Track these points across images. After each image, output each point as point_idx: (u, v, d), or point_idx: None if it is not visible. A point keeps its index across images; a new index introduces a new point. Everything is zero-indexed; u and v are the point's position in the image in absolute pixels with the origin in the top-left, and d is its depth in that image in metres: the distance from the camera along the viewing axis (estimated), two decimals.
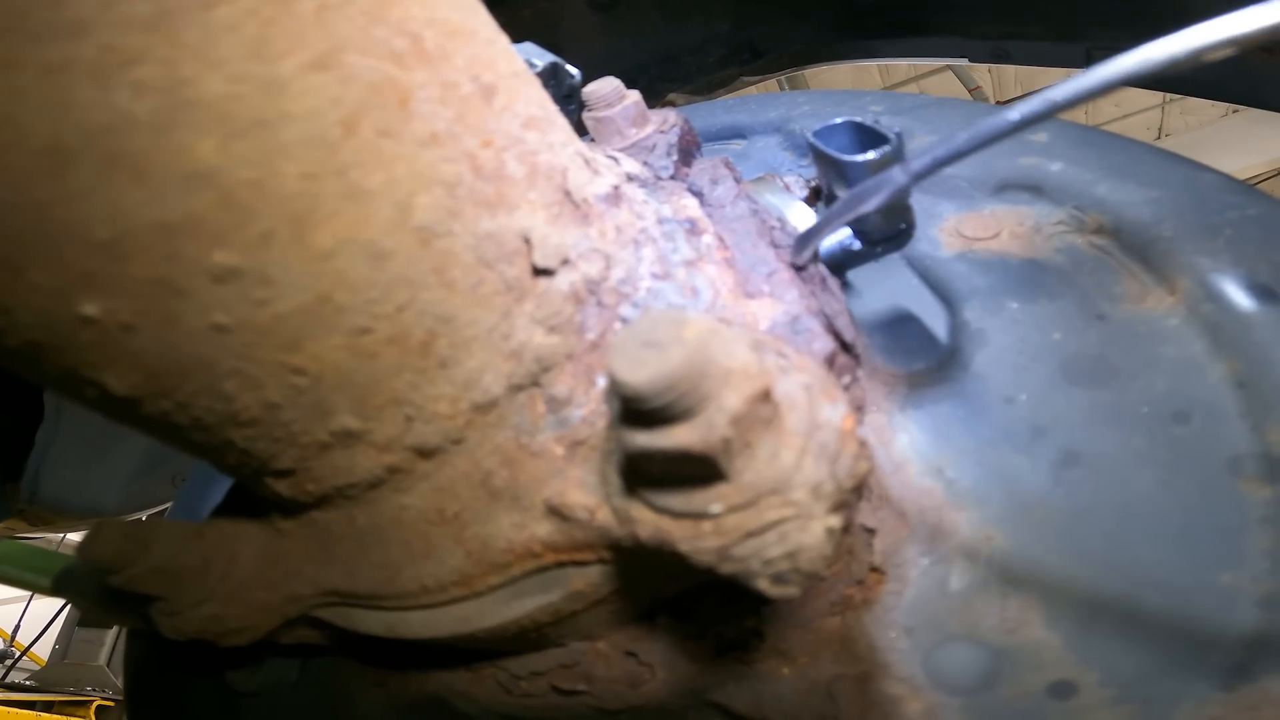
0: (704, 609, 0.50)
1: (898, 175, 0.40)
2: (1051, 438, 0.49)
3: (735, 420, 0.30)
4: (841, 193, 0.49)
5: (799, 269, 0.46)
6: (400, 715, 0.58)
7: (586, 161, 0.42)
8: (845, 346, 0.41)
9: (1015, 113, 0.36)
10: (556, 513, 0.39)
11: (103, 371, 0.33)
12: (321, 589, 0.48)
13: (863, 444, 0.34)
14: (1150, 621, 0.44)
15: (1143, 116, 5.91)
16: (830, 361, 0.40)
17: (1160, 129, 6.04)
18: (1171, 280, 0.53)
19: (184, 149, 0.28)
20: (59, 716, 4.09)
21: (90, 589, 0.53)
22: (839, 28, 1.34)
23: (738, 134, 0.83)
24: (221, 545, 0.48)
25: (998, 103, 5.33)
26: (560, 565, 0.43)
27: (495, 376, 0.37)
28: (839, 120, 0.51)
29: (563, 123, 0.43)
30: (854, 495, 0.34)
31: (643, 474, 0.34)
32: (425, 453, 0.39)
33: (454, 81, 0.35)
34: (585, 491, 0.38)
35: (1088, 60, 1.41)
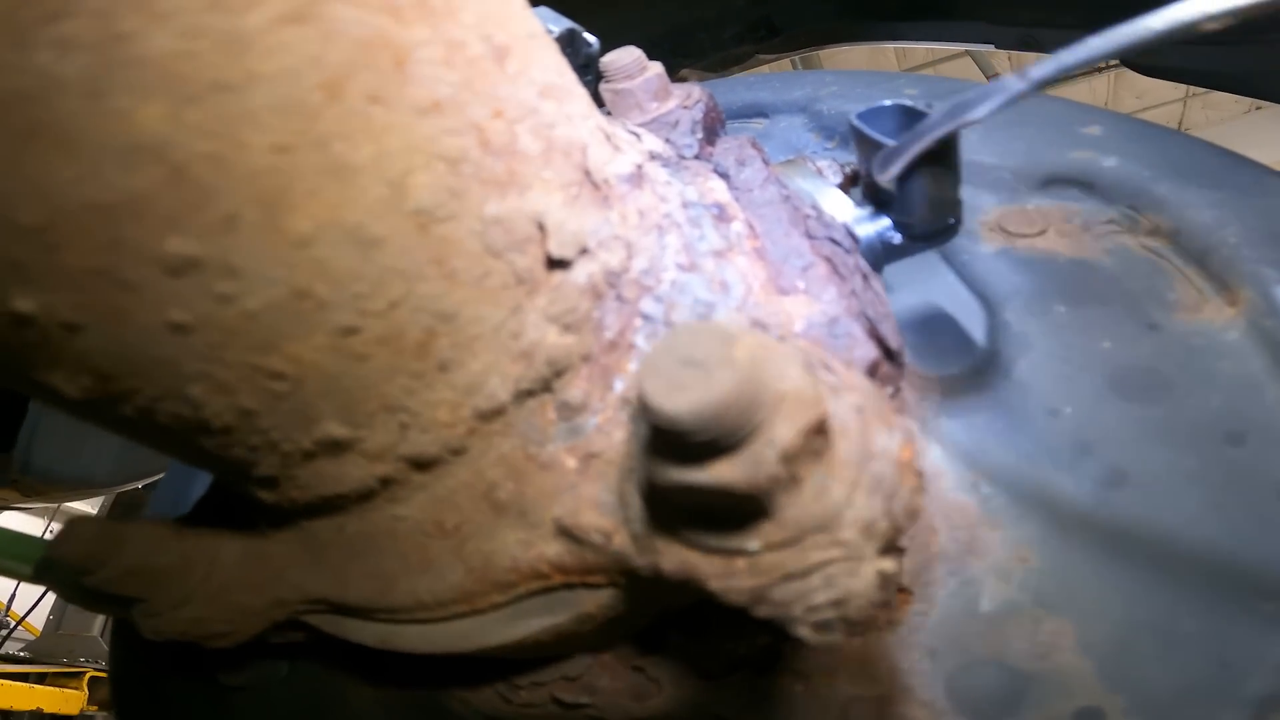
0: (716, 622, 0.46)
1: (1013, 83, 0.35)
2: (1097, 455, 0.45)
3: (787, 456, 0.24)
4: (884, 177, 0.44)
5: (854, 181, 0.41)
6: (393, 715, 0.55)
7: (607, 137, 0.36)
8: (889, 354, 0.36)
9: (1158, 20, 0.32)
10: (568, 534, 0.35)
11: (49, 374, 0.27)
12: (308, 595, 0.44)
13: (921, 475, 0.29)
14: (1185, 649, 0.41)
15: (1164, 110, 5.74)
16: (873, 371, 0.35)
17: (1181, 123, 5.89)
18: (1232, 290, 0.48)
19: (122, 116, 0.22)
20: (52, 688, 4.07)
21: (71, 578, 0.50)
22: (861, 7, 1.27)
23: (759, 112, 0.77)
24: (202, 545, 0.43)
25: None
26: (569, 586, 0.39)
27: (502, 380, 0.32)
28: (886, 103, 0.45)
29: (582, 93, 0.38)
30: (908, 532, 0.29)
31: (670, 503, 0.29)
32: (422, 464, 0.34)
33: (461, 40, 0.29)
34: (600, 513, 0.33)
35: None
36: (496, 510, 0.36)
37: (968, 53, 4.74)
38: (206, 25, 0.23)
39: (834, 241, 0.40)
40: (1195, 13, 0.30)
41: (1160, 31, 0.31)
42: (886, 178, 0.39)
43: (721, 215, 0.39)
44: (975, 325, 0.51)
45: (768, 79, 0.79)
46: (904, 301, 0.54)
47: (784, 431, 0.24)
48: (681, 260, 0.36)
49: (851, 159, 0.49)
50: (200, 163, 0.24)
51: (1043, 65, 0.34)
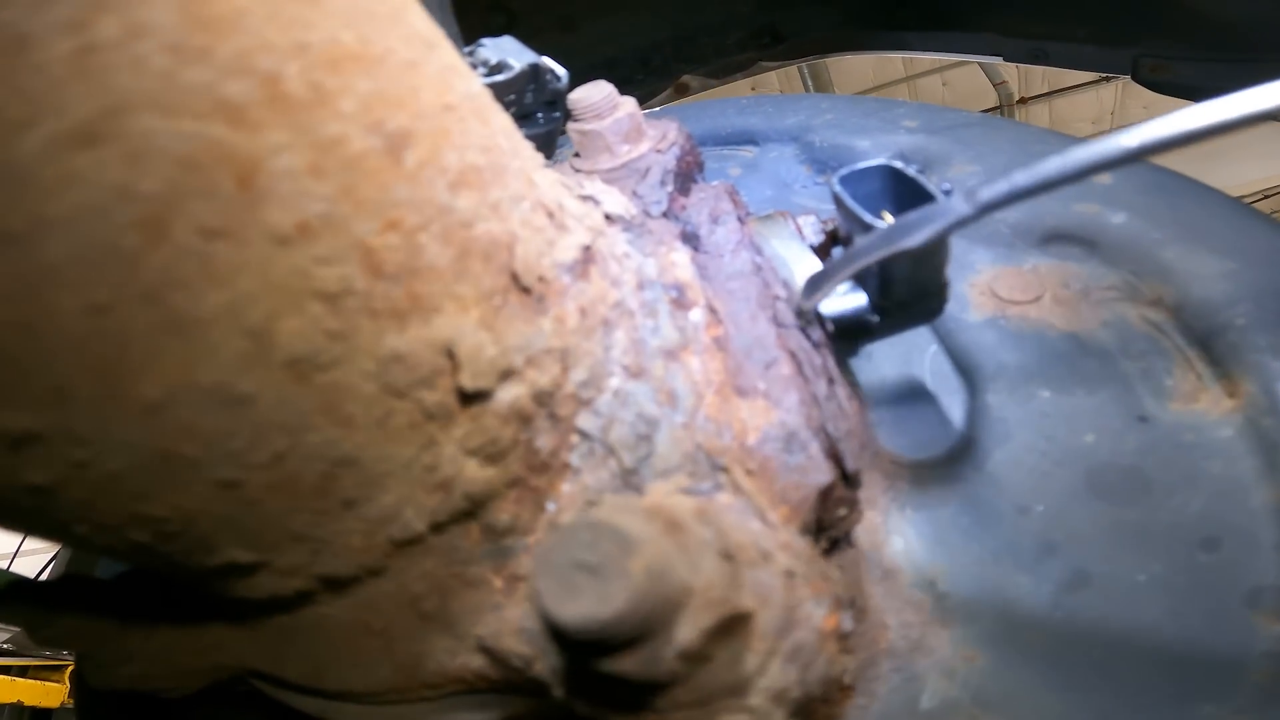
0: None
1: (958, 206, 0.30)
2: (1062, 556, 0.42)
3: (687, 655, 0.23)
4: None
5: (804, 323, 0.37)
6: None
7: (551, 215, 0.32)
8: (845, 477, 0.33)
9: (1133, 138, 0.27)
10: (490, 654, 0.32)
11: None
12: (246, 666, 0.42)
13: (844, 638, 0.27)
14: None
15: None
16: (827, 494, 0.32)
17: None
18: (1234, 380, 0.44)
19: None
20: (34, 681, 4.06)
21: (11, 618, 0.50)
22: (867, 16, 1.21)
23: (750, 139, 0.72)
24: (140, 609, 0.42)
25: (1021, 100, 5.04)
26: (497, 690, 0.36)
27: (417, 512, 0.28)
28: (871, 163, 0.41)
29: (519, 164, 0.32)
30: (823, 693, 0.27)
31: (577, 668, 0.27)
32: (338, 583, 0.30)
33: (337, 137, 0.23)
34: (522, 640, 0.30)
35: (1134, 69, 1.28)
36: (423, 618, 0.34)
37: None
38: None
39: (803, 332, 0.36)
40: (1171, 133, 0.26)
41: (1127, 152, 0.27)
42: (810, 304, 0.35)
43: (680, 300, 0.35)
44: (955, 403, 0.47)
45: (760, 102, 0.74)
46: (882, 372, 0.50)
47: (685, 633, 0.23)
48: (628, 362, 0.32)
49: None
50: (6, 334, 0.20)
51: (993, 187, 0.30)
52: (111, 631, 0.40)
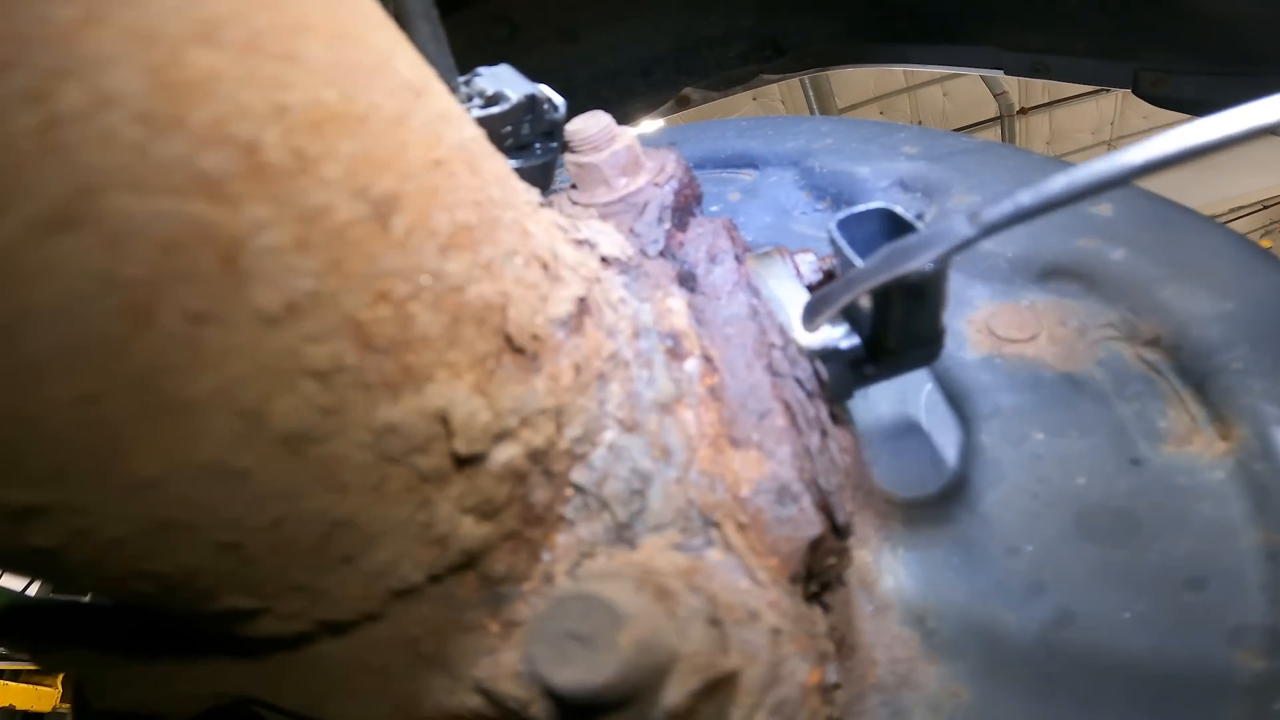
0: None
1: (960, 228, 0.30)
2: (1049, 595, 0.42)
3: (674, 716, 0.23)
4: (861, 296, 0.40)
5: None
6: None
7: (545, 266, 0.32)
8: (835, 529, 0.33)
9: (1135, 156, 0.27)
10: (487, 696, 0.32)
11: None
12: (246, 695, 0.43)
13: (826, 691, 0.27)
14: None
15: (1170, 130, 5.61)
16: (816, 545, 0.32)
17: None
18: (1227, 424, 0.44)
19: None
20: (26, 685, 4.06)
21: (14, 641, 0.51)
22: (869, 29, 1.21)
23: (750, 162, 0.72)
24: (142, 637, 0.42)
25: (1021, 110, 5.02)
26: None
27: (414, 565, 0.28)
28: (871, 206, 0.41)
29: (512, 215, 0.31)
30: None
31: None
32: (338, 627, 0.31)
33: (322, 207, 0.22)
34: (518, 684, 0.31)
35: (1135, 83, 1.28)
36: (421, 659, 0.34)
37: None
38: None
39: (798, 382, 0.37)
40: (1173, 150, 0.26)
41: (1130, 170, 0.27)
42: (813, 327, 0.35)
43: (676, 349, 0.36)
44: (949, 444, 0.48)
45: (761, 124, 0.74)
46: (878, 410, 0.51)
47: (673, 696, 0.24)
48: (623, 415, 0.32)
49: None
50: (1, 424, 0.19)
51: (996, 208, 0.30)
52: (113, 657, 0.40)
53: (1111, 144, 5.70)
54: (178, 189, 0.20)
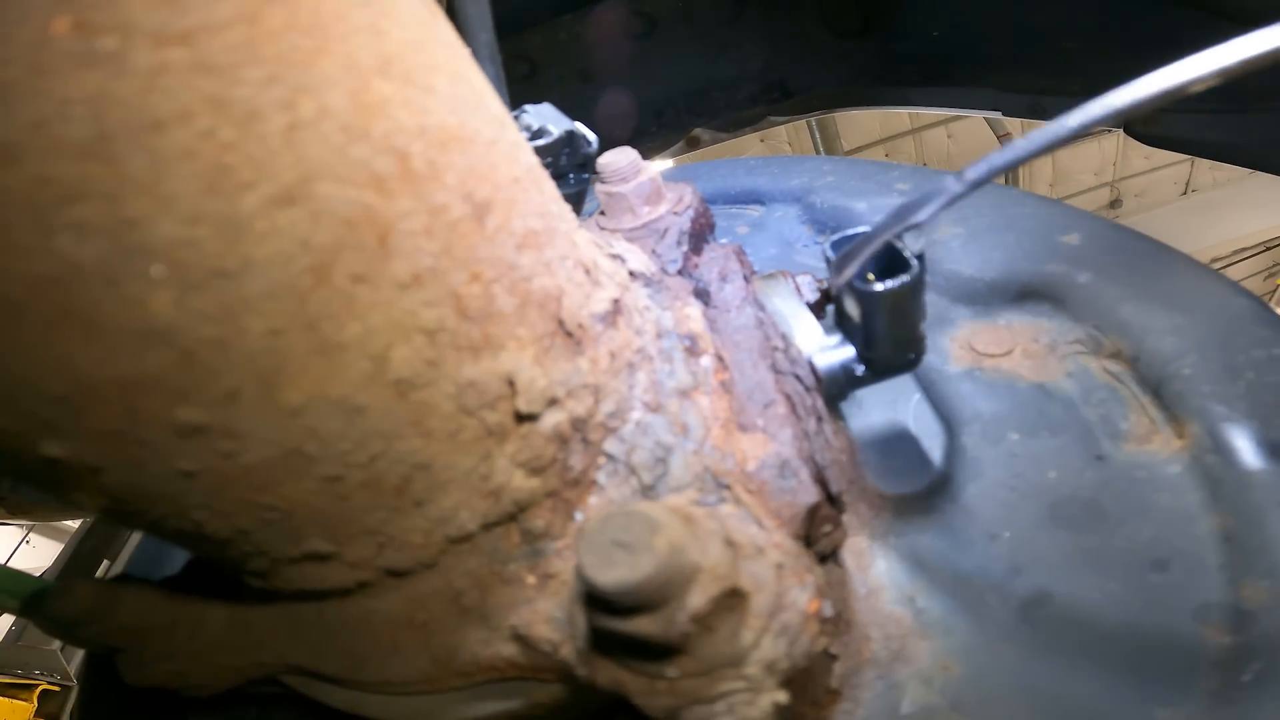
0: None
1: (952, 185, 0.38)
2: (1027, 576, 0.47)
3: (697, 619, 0.29)
4: (852, 309, 0.47)
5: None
6: None
7: (588, 271, 0.39)
8: (830, 498, 0.39)
9: (1074, 119, 0.35)
10: (522, 641, 0.38)
11: (73, 495, 0.30)
12: (287, 662, 0.47)
13: (825, 621, 0.33)
14: None
15: (1173, 170, 5.70)
16: (814, 513, 0.38)
17: (1189, 184, 5.87)
18: (1181, 423, 0.50)
19: (137, 304, 0.24)
20: (1, 699, 4.02)
21: (64, 627, 0.53)
22: (874, 73, 1.30)
23: (757, 199, 0.80)
24: (189, 608, 0.46)
25: None
26: (523, 678, 0.42)
27: (471, 514, 0.34)
28: (860, 229, 0.48)
29: (565, 227, 0.39)
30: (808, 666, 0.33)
31: (605, 633, 0.33)
32: (397, 573, 0.36)
33: (443, 205, 0.29)
34: (552, 627, 0.36)
35: (1126, 121, 1.35)
36: (462, 613, 0.39)
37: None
38: (205, 210, 0.24)
39: (798, 378, 0.43)
40: (1106, 110, 0.33)
41: (1072, 131, 0.34)
42: (840, 281, 0.42)
43: (693, 347, 0.42)
44: (935, 446, 0.53)
45: (767, 163, 0.82)
46: (871, 417, 0.57)
47: (696, 600, 0.29)
48: (648, 399, 0.38)
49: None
50: (205, 347, 0.26)
51: (975, 168, 0.37)
52: (161, 629, 0.44)
53: (1114, 185, 5.79)
54: (359, 182, 0.26)
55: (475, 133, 0.32)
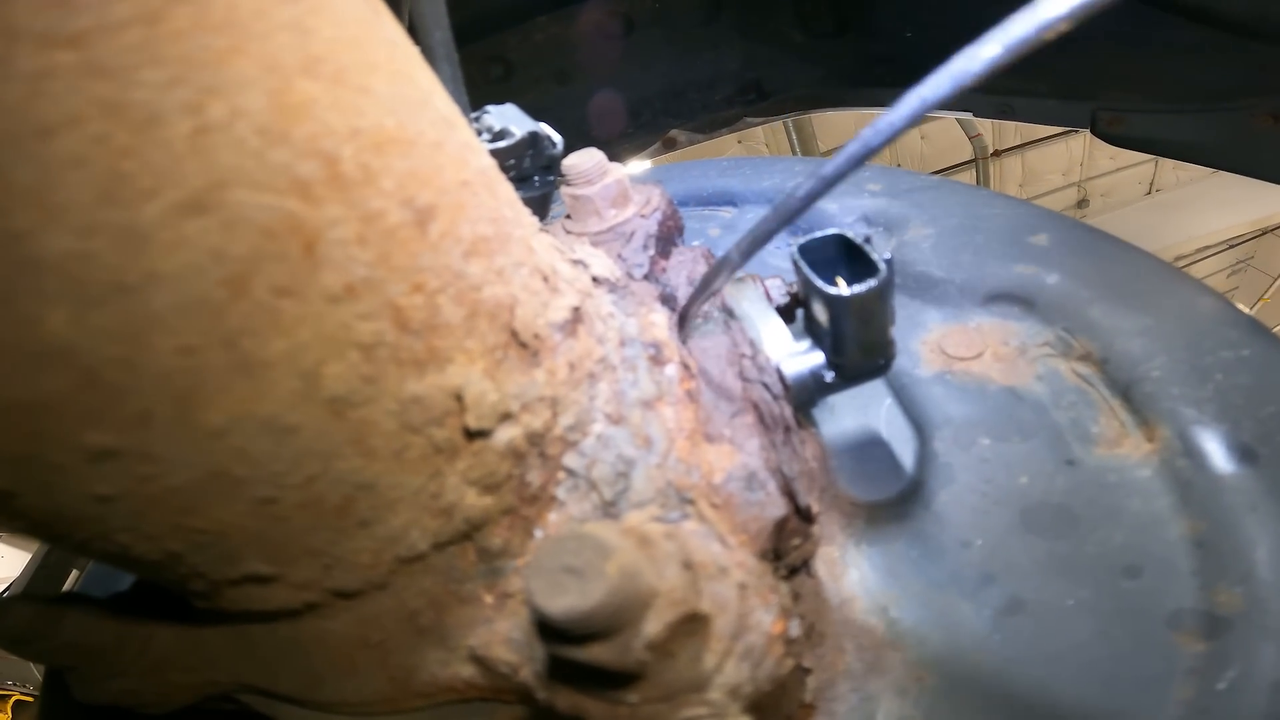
0: None
1: (734, 256, 0.38)
2: (999, 584, 0.47)
3: (653, 646, 0.27)
4: (820, 313, 0.46)
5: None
6: None
7: (546, 278, 0.37)
8: (799, 511, 0.38)
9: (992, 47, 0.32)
10: (480, 663, 0.36)
11: None
12: (240, 681, 0.45)
13: (790, 642, 0.32)
14: None
15: (1138, 170, 5.79)
16: (781, 526, 0.36)
17: (1153, 184, 5.98)
18: (1151, 426, 0.50)
19: (30, 323, 0.22)
20: None
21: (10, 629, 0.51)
22: (848, 75, 1.30)
23: (729, 200, 0.78)
24: (136, 626, 0.44)
25: (995, 153, 5.22)
26: (485, 699, 0.40)
27: (422, 534, 0.32)
28: (827, 233, 0.47)
29: (521, 233, 0.37)
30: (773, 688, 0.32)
31: (562, 659, 0.31)
32: (346, 594, 0.34)
33: (379, 211, 0.27)
34: (510, 648, 0.35)
35: (1093, 122, 1.36)
36: (418, 633, 0.38)
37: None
38: (101, 221, 0.22)
39: (765, 386, 0.42)
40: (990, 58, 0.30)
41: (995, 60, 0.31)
42: (680, 337, 0.42)
43: (658, 356, 0.41)
44: (906, 451, 0.53)
45: (739, 164, 0.81)
46: (843, 424, 0.56)
47: (652, 626, 0.27)
48: (610, 410, 0.37)
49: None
50: (109, 366, 0.24)
51: (929, 86, 0.34)
52: (108, 646, 0.42)
53: (1080, 185, 5.89)
54: (280, 188, 0.25)
55: (418, 134, 0.30)
